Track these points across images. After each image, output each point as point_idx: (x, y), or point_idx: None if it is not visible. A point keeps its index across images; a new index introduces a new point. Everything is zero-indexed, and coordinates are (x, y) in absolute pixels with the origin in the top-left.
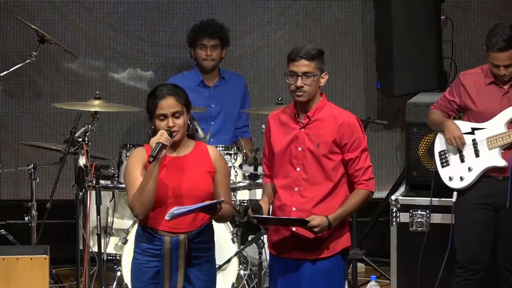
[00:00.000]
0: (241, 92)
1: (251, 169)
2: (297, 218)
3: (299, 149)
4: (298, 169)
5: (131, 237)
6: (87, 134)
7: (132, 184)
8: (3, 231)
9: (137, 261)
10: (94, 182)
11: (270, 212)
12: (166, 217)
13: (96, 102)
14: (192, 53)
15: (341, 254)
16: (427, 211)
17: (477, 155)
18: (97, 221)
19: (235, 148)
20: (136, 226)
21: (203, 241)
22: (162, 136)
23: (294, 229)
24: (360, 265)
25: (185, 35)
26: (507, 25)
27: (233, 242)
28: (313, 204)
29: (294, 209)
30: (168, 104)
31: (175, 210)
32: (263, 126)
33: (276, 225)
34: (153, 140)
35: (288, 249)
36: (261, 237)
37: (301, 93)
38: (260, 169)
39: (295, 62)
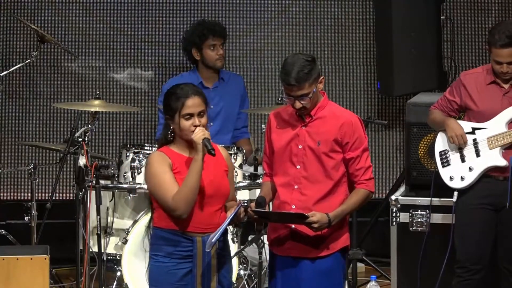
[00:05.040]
0: (240, 92)
1: (251, 169)
2: (297, 212)
3: (300, 146)
4: (298, 166)
5: (131, 237)
6: (87, 134)
7: (167, 186)
8: (3, 231)
9: (163, 264)
10: (94, 182)
11: (271, 210)
12: (207, 249)
13: (96, 102)
14: (196, 54)
15: (340, 253)
16: (427, 211)
17: (477, 154)
18: (97, 221)
19: (235, 148)
20: (136, 227)
21: (224, 240)
22: (205, 132)
23: (293, 226)
24: (360, 265)
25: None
26: (510, 22)
27: (233, 242)
28: (313, 202)
29: (293, 206)
30: (195, 103)
31: (212, 239)
32: (263, 126)
33: (275, 221)
34: (199, 136)
35: (287, 247)
36: (261, 237)
37: (302, 111)
38: (260, 169)
39: (288, 87)
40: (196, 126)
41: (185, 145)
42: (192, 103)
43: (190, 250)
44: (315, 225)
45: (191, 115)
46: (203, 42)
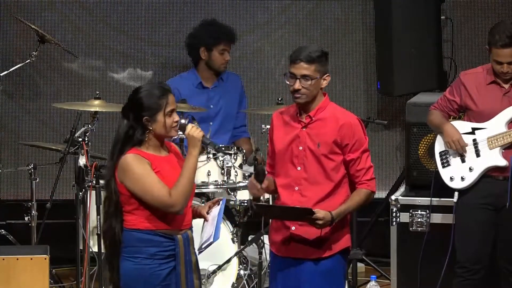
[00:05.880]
0: (238, 91)
1: (251, 169)
2: (303, 207)
3: (300, 148)
4: (298, 168)
5: None
6: (87, 134)
7: (159, 185)
8: (3, 231)
9: (146, 266)
10: (94, 182)
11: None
12: (203, 250)
13: (96, 102)
14: (203, 54)
15: (341, 254)
16: (427, 211)
17: (477, 155)
18: (97, 221)
19: (235, 148)
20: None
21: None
22: (199, 128)
23: (293, 228)
24: (360, 265)
25: (185, 35)
26: (510, 22)
27: (233, 242)
28: (313, 203)
29: None
30: (173, 98)
31: (209, 239)
32: (263, 126)
33: (278, 217)
34: (197, 133)
35: (288, 248)
36: (261, 237)
37: (299, 95)
38: None
39: (295, 64)
40: (177, 121)
41: (158, 145)
42: (172, 99)
43: (173, 249)
44: (320, 222)
45: (172, 111)
46: (215, 45)
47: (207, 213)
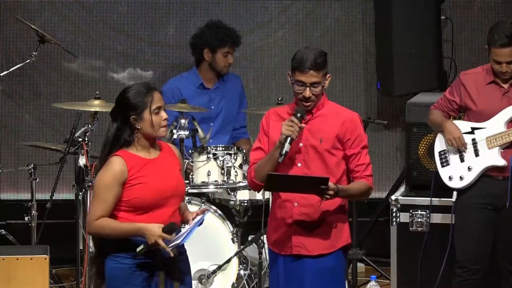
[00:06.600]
0: (238, 92)
1: None
2: (320, 176)
3: (301, 145)
4: (299, 164)
5: None
6: (87, 134)
7: (102, 206)
8: (3, 231)
9: (126, 265)
10: (94, 182)
11: (270, 210)
12: (170, 250)
13: (96, 102)
14: (207, 55)
15: (342, 251)
16: (427, 211)
17: (476, 154)
18: None
19: (235, 148)
20: None
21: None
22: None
23: (292, 221)
24: (360, 265)
25: (185, 35)
26: (509, 22)
27: (233, 242)
28: (316, 198)
29: (296, 204)
30: (160, 96)
31: (176, 241)
32: None
33: (289, 188)
34: (156, 241)
35: (289, 246)
36: (261, 237)
37: (309, 103)
38: None
39: (304, 73)
40: (166, 119)
41: (147, 146)
42: (158, 97)
43: (153, 251)
44: (331, 192)
45: (159, 109)
46: (220, 47)
47: (193, 219)
